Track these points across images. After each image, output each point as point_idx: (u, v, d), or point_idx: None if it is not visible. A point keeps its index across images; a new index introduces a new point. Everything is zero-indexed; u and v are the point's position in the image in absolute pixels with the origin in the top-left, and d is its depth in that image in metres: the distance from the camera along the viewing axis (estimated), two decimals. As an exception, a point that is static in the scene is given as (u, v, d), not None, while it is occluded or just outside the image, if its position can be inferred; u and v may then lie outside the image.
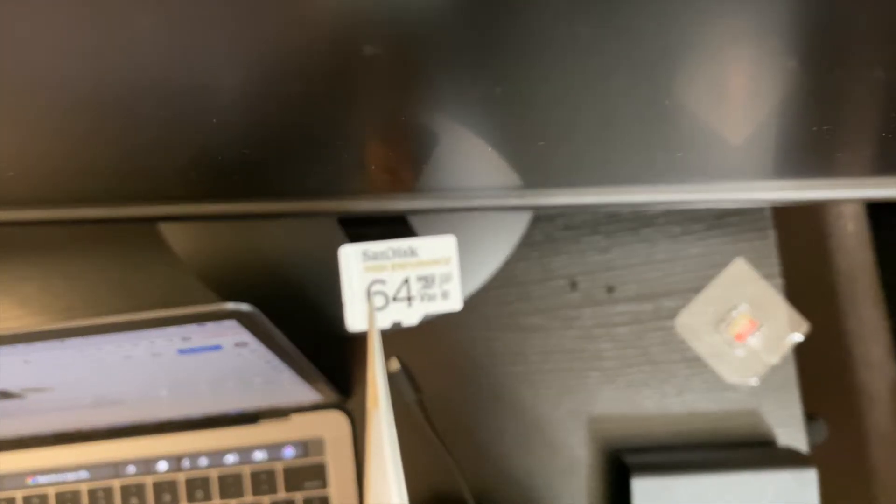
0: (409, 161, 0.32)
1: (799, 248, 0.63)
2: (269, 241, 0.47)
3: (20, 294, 0.48)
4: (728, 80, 0.27)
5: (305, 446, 0.45)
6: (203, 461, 0.45)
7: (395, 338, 0.34)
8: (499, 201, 0.33)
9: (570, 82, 0.26)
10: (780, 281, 0.47)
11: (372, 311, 0.26)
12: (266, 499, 0.44)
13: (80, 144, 0.29)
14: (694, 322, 0.47)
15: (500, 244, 0.47)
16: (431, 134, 0.30)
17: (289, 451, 0.45)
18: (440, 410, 0.45)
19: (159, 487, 0.44)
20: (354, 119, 0.29)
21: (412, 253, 0.26)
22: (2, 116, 0.27)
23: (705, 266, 0.47)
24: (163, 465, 0.45)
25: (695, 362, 0.46)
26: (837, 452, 0.62)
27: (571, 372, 0.46)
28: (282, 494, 0.44)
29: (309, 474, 0.45)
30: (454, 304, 0.26)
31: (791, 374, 0.46)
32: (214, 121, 0.28)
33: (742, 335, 0.46)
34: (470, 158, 0.31)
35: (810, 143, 0.30)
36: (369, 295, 0.26)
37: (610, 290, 0.47)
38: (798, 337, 0.46)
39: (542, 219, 0.48)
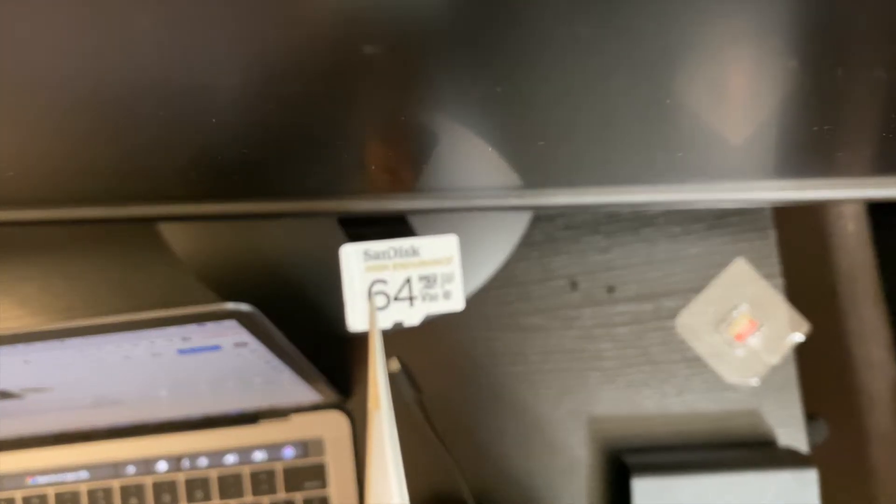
0: (409, 161, 0.32)
1: (799, 248, 0.63)
2: (269, 241, 0.47)
3: (20, 294, 0.48)
4: (728, 79, 0.27)
5: (305, 446, 0.45)
6: (203, 461, 0.45)
7: (395, 338, 0.34)
8: (499, 201, 0.33)
9: (570, 82, 0.26)
10: (780, 281, 0.47)
11: (373, 312, 0.26)
12: (266, 499, 0.44)
13: (80, 144, 0.29)
14: (694, 322, 0.47)
15: (500, 244, 0.47)
16: (431, 134, 0.30)
17: (288, 452, 0.45)
18: (440, 410, 0.45)
19: (159, 488, 0.44)
20: (354, 119, 0.29)
21: (414, 252, 0.26)
22: (2, 116, 0.27)
23: (705, 266, 0.47)
24: (162, 466, 0.45)
25: (695, 362, 0.46)
26: (838, 452, 0.62)
27: (571, 372, 0.46)
28: (281, 495, 0.44)
29: (309, 474, 0.45)
30: (456, 304, 0.26)
31: (791, 374, 0.46)
32: (214, 121, 0.27)
33: (742, 335, 0.46)
34: (470, 158, 0.31)
35: (810, 143, 0.30)
36: (370, 295, 0.26)
37: (610, 290, 0.47)
38: (798, 337, 0.46)
39: (543, 219, 0.48)
